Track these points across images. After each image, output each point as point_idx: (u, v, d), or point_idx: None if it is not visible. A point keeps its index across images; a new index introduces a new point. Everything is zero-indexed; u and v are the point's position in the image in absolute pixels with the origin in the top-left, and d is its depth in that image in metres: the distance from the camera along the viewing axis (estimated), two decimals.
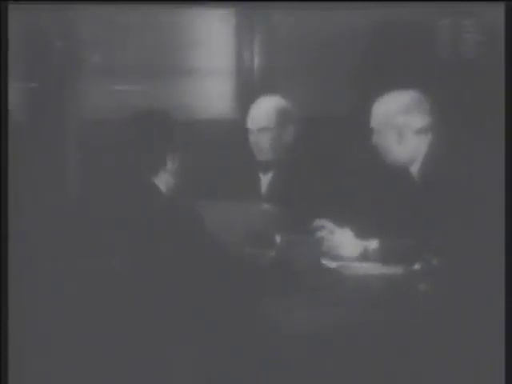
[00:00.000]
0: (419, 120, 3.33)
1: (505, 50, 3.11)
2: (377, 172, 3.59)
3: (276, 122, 3.95)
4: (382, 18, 4.79)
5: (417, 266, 3.03)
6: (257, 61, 4.85)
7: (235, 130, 4.19)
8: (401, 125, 3.33)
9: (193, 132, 3.23)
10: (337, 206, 3.66)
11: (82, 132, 4.44)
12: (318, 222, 3.45)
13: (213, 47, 4.80)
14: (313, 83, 4.89)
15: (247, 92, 4.82)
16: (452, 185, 3.19)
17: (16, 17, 3.32)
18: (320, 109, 4.84)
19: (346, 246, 3.35)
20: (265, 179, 4.06)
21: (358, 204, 3.71)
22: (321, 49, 4.86)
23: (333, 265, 3.23)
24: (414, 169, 3.37)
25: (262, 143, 3.96)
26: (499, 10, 3.22)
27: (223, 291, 2.80)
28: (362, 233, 3.36)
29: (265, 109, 3.98)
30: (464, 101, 4.54)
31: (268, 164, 4.01)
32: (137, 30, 4.61)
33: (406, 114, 3.33)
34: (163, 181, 2.97)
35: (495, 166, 3.07)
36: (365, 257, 3.32)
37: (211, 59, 4.80)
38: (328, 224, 3.44)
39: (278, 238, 3.31)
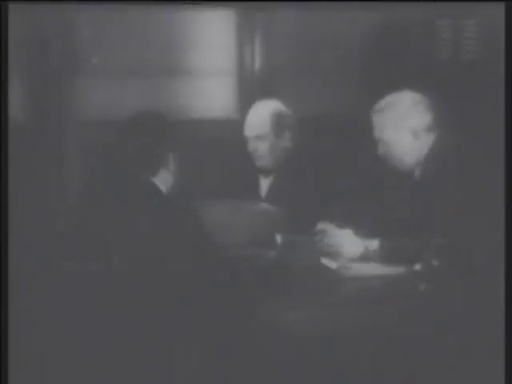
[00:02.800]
0: (419, 122, 3.33)
1: (505, 50, 3.11)
2: (377, 173, 3.59)
3: (274, 127, 3.94)
4: (383, 18, 4.79)
5: (417, 267, 3.03)
6: (257, 61, 4.85)
7: (235, 130, 4.18)
8: (401, 127, 3.33)
9: (192, 132, 3.24)
10: (337, 207, 3.66)
11: (81, 132, 4.44)
12: (319, 223, 3.45)
13: (213, 47, 4.80)
14: (313, 84, 4.89)
15: (247, 92, 4.82)
16: (452, 185, 3.19)
17: (16, 17, 3.31)
18: (320, 110, 4.84)
19: (346, 246, 3.35)
20: (265, 180, 4.06)
21: (358, 205, 3.71)
22: (321, 49, 4.86)
23: (333, 265, 3.23)
24: (415, 170, 3.37)
25: (261, 150, 3.95)
26: (499, 10, 3.22)
27: (223, 292, 2.80)
28: (362, 233, 3.36)
29: (263, 114, 3.96)
30: (463, 101, 4.54)
31: (268, 166, 4.00)
32: (137, 29, 4.61)
33: (407, 117, 3.33)
34: (163, 181, 2.97)
35: (495, 165, 3.07)
36: (365, 257, 3.32)
37: (211, 59, 4.80)
38: (328, 225, 3.43)
39: (278, 239, 3.31)
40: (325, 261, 3.23)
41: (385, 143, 3.37)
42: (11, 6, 3.13)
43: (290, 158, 3.98)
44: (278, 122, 3.95)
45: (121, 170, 2.97)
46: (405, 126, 3.33)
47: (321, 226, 3.43)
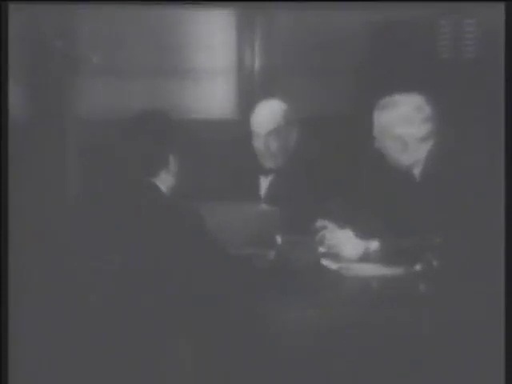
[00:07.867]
0: (420, 122, 3.32)
1: (505, 50, 3.11)
2: (378, 173, 3.59)
3: (279, 126, 3.95)
4: (382, 18, 4.79)
5: (417, 267, 3.03)
6: (257, 61, 4.85)
7: (236, 130, 4.19)
8: (402, 126, 3.33)
9: (193, 132, 3.23)
10: (337, 207, 3.66)
11: (81, 132, 4.44)
12: (319, 223, 3.45)
13: (213, 47, 4.80)
14: (313, 84, 4.89)
15: (247, 92, 4.83)
16: (453, 185, 3.19)
17: (16, 17, 3.31)
18: (320, 110, 4.84)
19: (346, 246, 3.35)
20: (265, 180, 4.06)
21: (359, 204, 3.71)
22: (321, 49, 4.86)
23: (333, 265, 3.23)
24: (416, 170, 3.37)
25: (266, 148, 3.96)
26: (499, 10, 3.22)
27: (223, 291, 2.80)
28: (362, 234, 3.36)
29: (269, 114, 3.97)
30: (464, 101, 4.54)
31: (270, 166, 4.01)
32: (137, 29, 4.61)
33: (408, 117, 3.33)
34: (163, 181, 2.97)
35: (496, 165, 3.07)
36: (365, 258, 3.32)
37: (211, 59, 4.80)
38: (329, 224, 3.43)
39: (278, 239, 3.31)
40: (325, 261, 3.24)
41: (387, 144, 3.37)
42: (11, 6, 3.13)
43: (290, 158, 3.98)
44: (283, 121, 3.96)
45: (121, 170, 2.97)
46: (406, 126, 3.33)
47: (321, 226, 3.44)
